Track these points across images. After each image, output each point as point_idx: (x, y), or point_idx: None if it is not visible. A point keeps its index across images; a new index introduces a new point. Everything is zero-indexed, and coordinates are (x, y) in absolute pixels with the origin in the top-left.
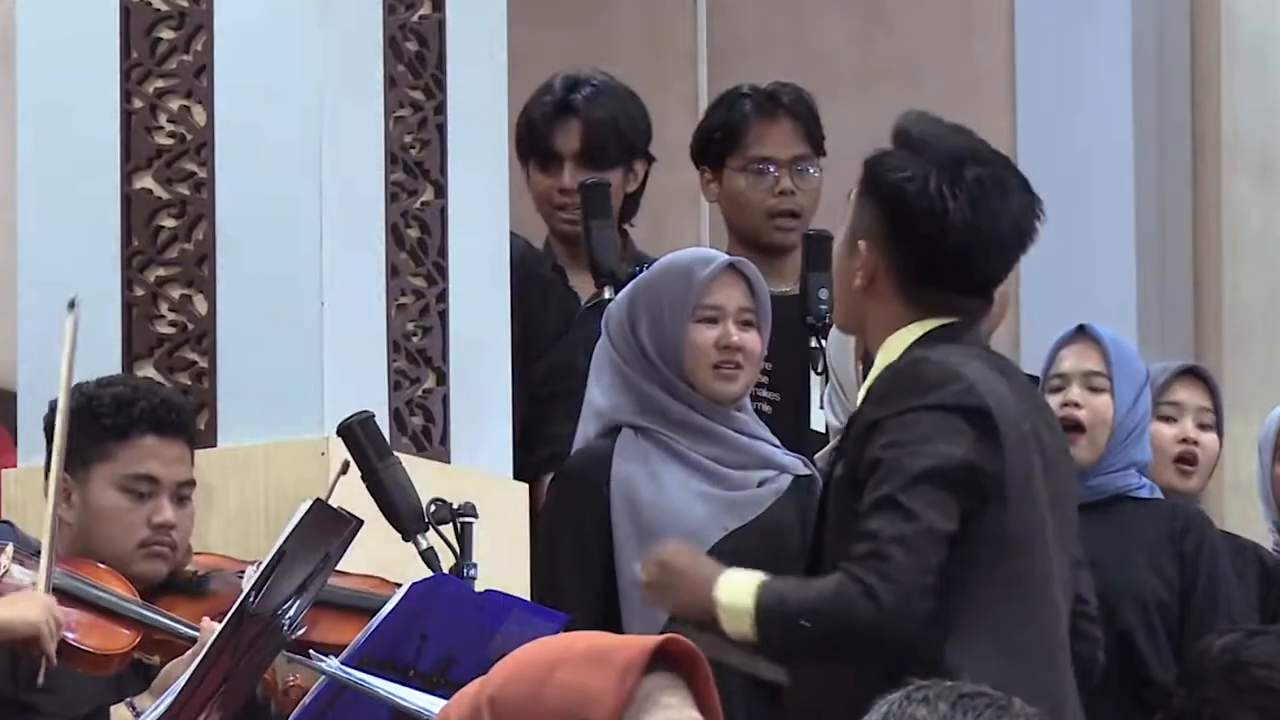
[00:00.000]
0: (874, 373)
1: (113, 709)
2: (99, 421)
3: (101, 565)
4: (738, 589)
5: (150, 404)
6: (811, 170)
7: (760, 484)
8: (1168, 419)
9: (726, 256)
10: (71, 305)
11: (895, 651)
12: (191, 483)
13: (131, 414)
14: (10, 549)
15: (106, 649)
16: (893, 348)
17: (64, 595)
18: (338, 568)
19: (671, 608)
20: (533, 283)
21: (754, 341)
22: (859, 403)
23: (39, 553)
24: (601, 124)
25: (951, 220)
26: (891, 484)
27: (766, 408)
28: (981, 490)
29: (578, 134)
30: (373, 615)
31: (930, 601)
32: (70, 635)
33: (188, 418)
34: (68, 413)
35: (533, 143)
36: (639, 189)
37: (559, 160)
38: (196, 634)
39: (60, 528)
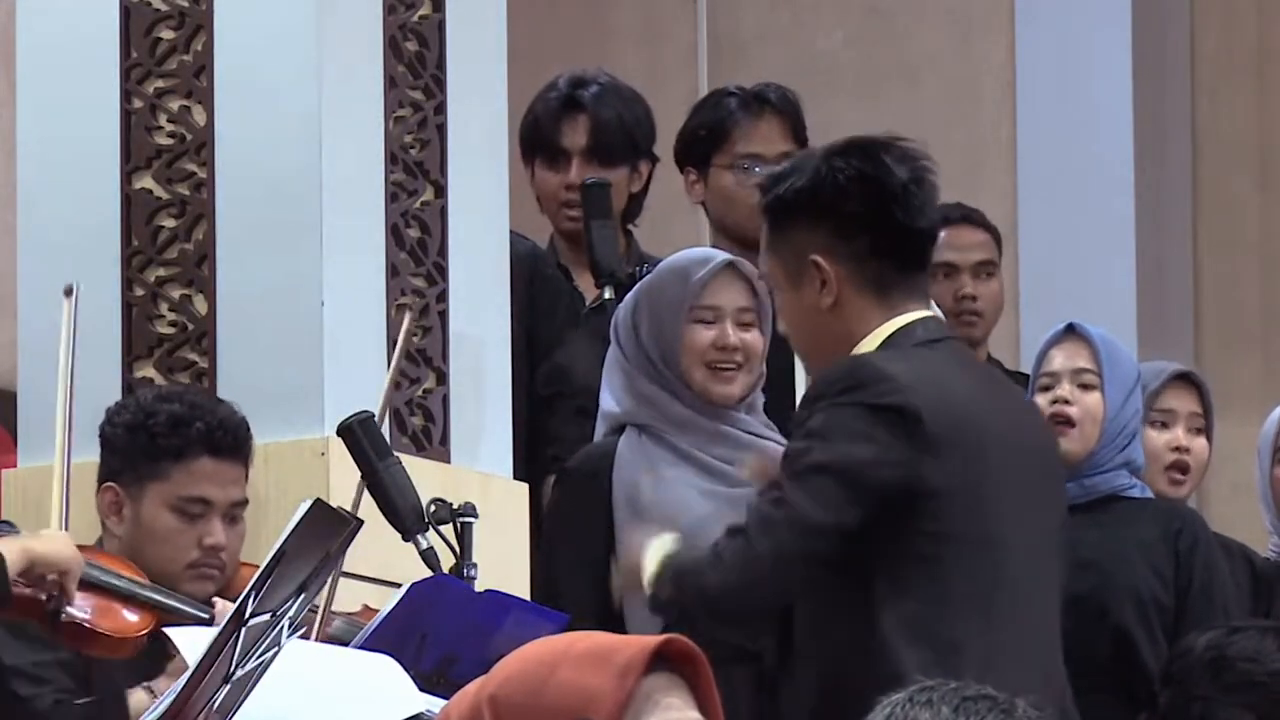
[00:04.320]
0: None
1: (129, 693)
2: (155, 441)
3: (114, 555)
4: (652, 555)
5: (207, 425)
6: None
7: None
8: (1160, 425)
9: (726, 256)
10: (69, 292)
11: (735, 625)
12: (244, 501)
13: (188, 435)
14: None
15: (121, 632)
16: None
17: (80, 581)
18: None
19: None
20: (541, 284)
21: (754, 341)
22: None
23: None
24: (609, 121)
25: (859, 182)
26: (786, 469)
27: None
28: (895, 492)
29: (585, 130)
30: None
31: (772, 591)
32: (84, 618)
33: (244, 437)
34: (68, 401)
35: (539, 139)
36: (643, 189)
37: (566, 156)
38: (208, 616)
39: (108, 539)
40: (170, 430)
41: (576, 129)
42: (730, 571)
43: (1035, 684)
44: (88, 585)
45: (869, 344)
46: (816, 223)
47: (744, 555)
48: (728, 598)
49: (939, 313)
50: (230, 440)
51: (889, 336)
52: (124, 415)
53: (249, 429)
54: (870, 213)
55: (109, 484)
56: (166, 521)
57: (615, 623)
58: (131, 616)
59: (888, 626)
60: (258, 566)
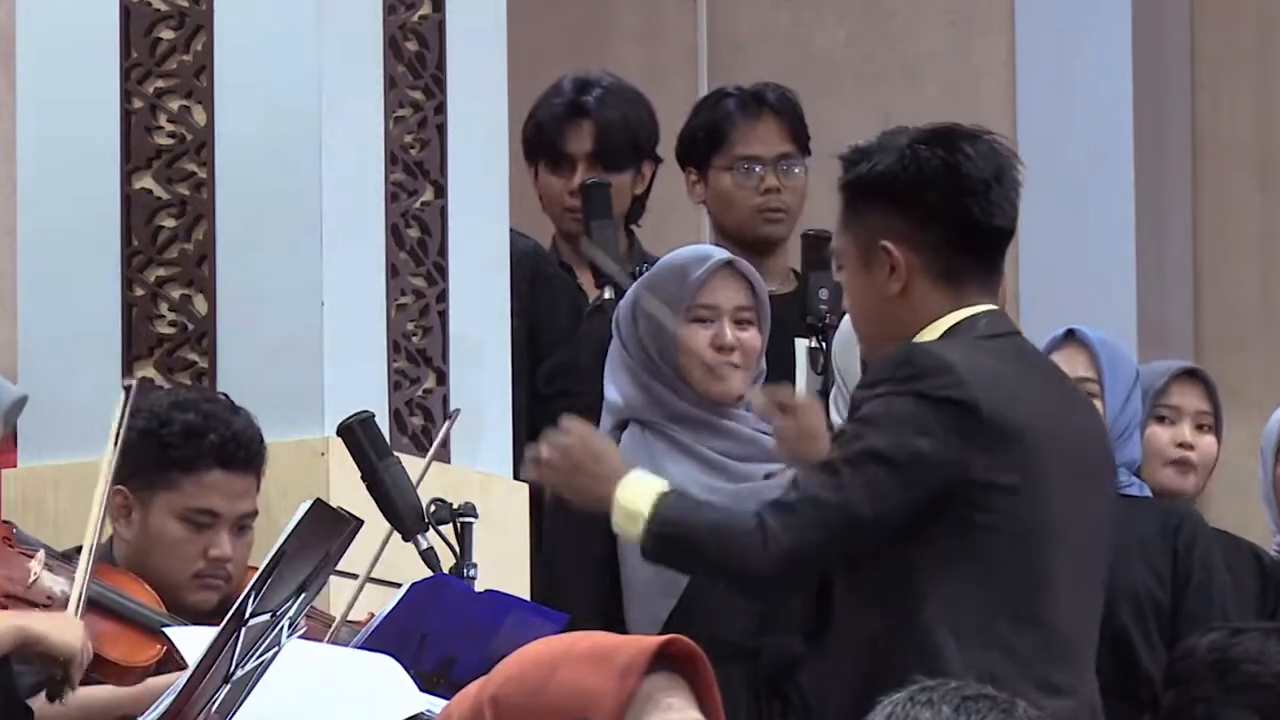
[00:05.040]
0: None
1: None
2: (167, 451)
3: (129, 575)
4: (637, 493)
5: (220, 438)
6: (797, 169)
7: (767, 477)
8: (1164, 420)
9: (724, 255)
10: (127, 390)
11: (760, 598)
12: (254, 513)
13: (201, 447)
14: (42, 555)
15: (131, 660)
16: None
17: (91, 604)
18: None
19: (567, 494)
20: (543, 282)
21: (752, 340)
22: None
23: (67, 559)
24: (613, 126)
25: (942, 173)
26: (840, 451)
27: None
28: (946, 486)
29: (590, 135)
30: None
31: (811, 572)
32: (94, 645)
33: (257, 450)
34: (110, 475)
35: (543, 144)
36: (646, 190)
37: (570, 162)
38: None
39: (116, 542)
40: (183, 441)
41: (581, 135)
42: (779, 552)
43: (1074, 681)
44: (101, 609)
45: (930, 333)
46: (893, 208)
47: (795, 537)
48: (771, 575)
49: None
50: (243, 454)
51: (951, 327)
52: (138, 420)
53: (263, 440)
54: (948, 206)
55: (119, 487)
56: (173, 531)
57: (616, 622)
58: (142, 645)
59: (933, 619)
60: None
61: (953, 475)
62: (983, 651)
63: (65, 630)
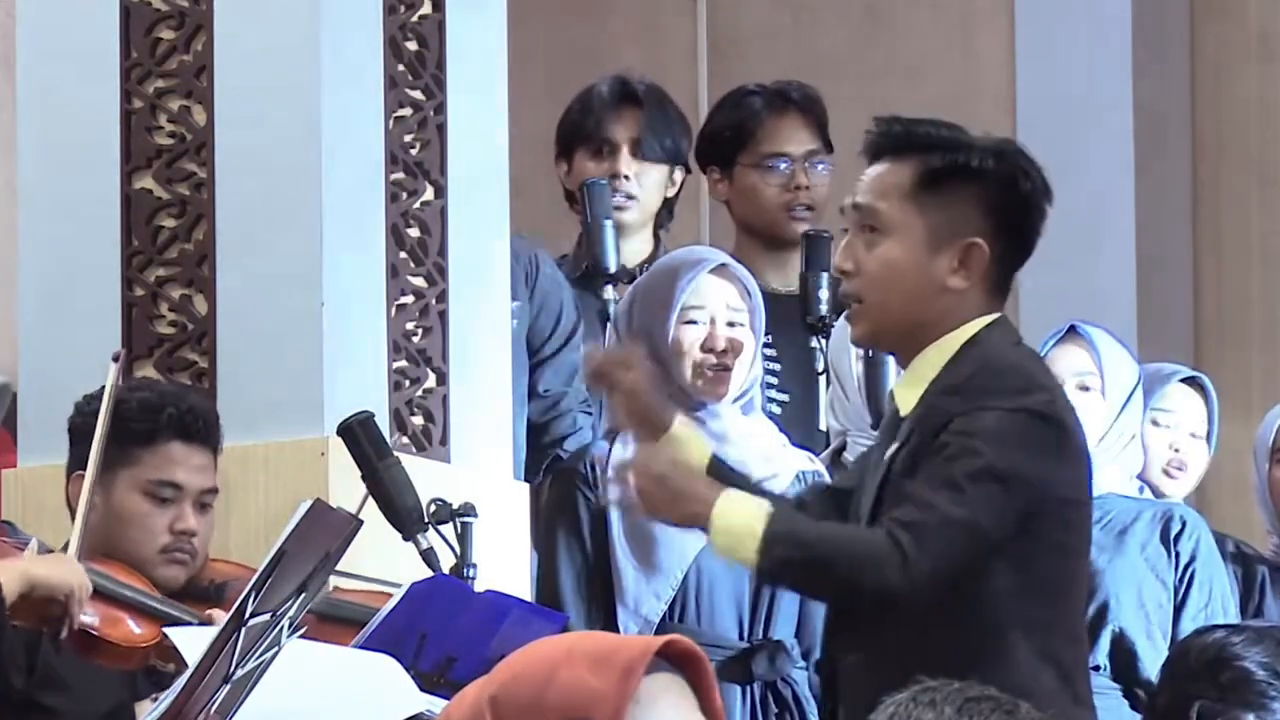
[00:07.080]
0: (932, 367)
1: (138, 705)
2: (126, 426)
3: (121, 564)
4: (744, 512)
5: (177, 411)
6: (822, 166)
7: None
8: (1160, 425)
9: (718, 257)
10: (116, 358)
11: (890, 612)
12: (214, 490)
13: (158, 420)
14: (35, 543)
15: (130, 641)
16: (948, 345)
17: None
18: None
19: (666, 519)
20: (542, 285)
21: (744, 342)
22: (932, 395)
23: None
24: (659, 119)
25: (1033, 196)
26: (960, 466)
27: (776, 408)
28: (1040, 503)
29: (636, 122)
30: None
31: (945, 589)
32: (94, 626)
33: (214, 425)
34: (100, 453)
35: (586, 129)
36: (675, 195)
37: (613, 147)
38: None
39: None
40: (140, 416)
41: (628, 121)
42: (921, 574)
43: (1089, 693)
44: (98, 594)
45: (959, 336)
46: (988, 211)
47: (935, 556)
48: (912, 594)
49: None
50: (200, 426)
51: (978, 332)
52: (94, 405)
53: (218, 418)
54: (1020, 226)
55: (79, 472)
56: (138, 505)
57: (610, 620)
58: (140, 627)
59: (1008, 635)
60: (233, 563)
61: (1046, 492)
62: (1042, 664)
63: (61, 569)
